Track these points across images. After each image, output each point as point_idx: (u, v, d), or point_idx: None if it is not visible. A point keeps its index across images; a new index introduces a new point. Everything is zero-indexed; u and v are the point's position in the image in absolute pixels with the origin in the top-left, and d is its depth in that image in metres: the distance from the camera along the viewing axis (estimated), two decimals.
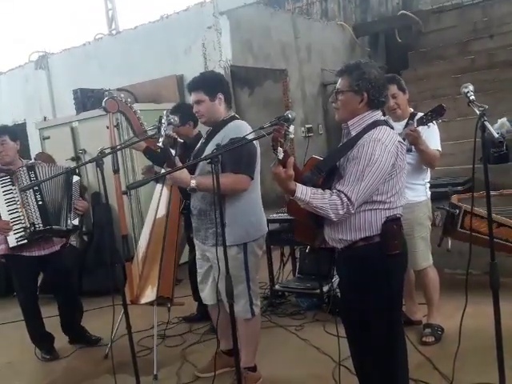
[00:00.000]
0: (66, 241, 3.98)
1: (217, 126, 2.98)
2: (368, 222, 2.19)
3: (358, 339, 2.39)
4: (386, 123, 2.25)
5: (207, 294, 3.19)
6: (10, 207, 3.68)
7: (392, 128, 2.26)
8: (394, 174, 2.17)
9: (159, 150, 2.88)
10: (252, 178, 2.89)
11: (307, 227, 2.44)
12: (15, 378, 3.73)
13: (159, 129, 2.81)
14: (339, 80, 2.28)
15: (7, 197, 3.67)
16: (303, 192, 2.09)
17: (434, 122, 3.14)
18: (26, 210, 3.66)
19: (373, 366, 2.32)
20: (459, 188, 4.93)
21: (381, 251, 2.19)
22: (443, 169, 5.15)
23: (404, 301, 3.66)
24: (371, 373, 2.35)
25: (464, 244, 4.59)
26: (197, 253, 3.21)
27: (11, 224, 3.64)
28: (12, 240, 3.64)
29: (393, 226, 2.21)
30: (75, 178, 3.86)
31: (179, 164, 2.80)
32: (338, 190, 2.12)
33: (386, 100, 2.32)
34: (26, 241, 3.65)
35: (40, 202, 3.69)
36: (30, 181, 3.66)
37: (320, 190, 2.13)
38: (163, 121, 2.80)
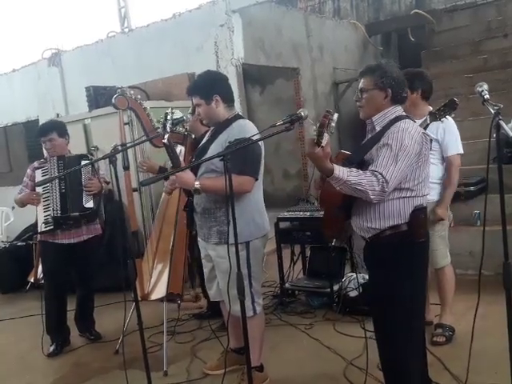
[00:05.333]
0: (98, 232, 4.09)
1: (220, 125, 2.97)
2: (397, 210, 2.29)
3: (381, 327, 2.43)
4: (408, 117, 2.36)
5: (215, 292, 3.20)
6: (45, 194, 3.86)
7: (414, 121, 2.38)
8: (421, 162, 2.28)
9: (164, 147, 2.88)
10: (256, 179, 2.87)
11: (335, 220, 2.51)
12: (26, 373, 3.76)
13: (164, 125, 2.81)
14: (362, 80, 2.41)
15: (45, 184, 3.82)
16: (340, 170, 2.13)
17: (448, 117, 3.12)
18: (51, 198, 3.84)
19: (389, 353, 2.38)
20: (471, 188, 4.90)
21: (408, 239, 2.29)
22: None
23: None
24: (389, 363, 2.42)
25: (475, 244, 4.58)
26: (201, 252, 3.21)
27: (43, 207, 3.82)
28: (40, 225, 3.83)
29: (420, 215, 2.31)
30: (84, 162, 3.90)
31: (183, 164, 2.81)
32: (372, 170, 2.19)
33: (407, 96, 2.46)
34: (51, 227, 3.82)
35: (63, 190, 3.87)
36: (59, 170, 3.85)
37: (354, 169, 2.19)
38: (168, 117, 2.81)
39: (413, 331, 2.35)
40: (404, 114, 2.39)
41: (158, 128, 3.35)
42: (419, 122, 3.23)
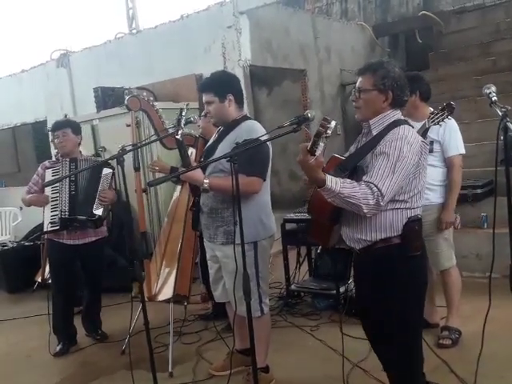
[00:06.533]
0: (104, 234, 4.10)
1: (229, 125, 2.97)
2: (389, 222, 2.17)
3: (381, 340, 2.38)
4: (406, 122, 2.24)
5: (220, 293, 3.20)
6: (54, 194, 3.87)
7: (412, 127, 2.26)
8: (418, 173, 2.16)
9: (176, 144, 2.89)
10: (264, 180, 2.89)
11: (323, 227, 2.42)
12: (33, 372, 3.78)
13: (179, 121, 2.82)
14: (360, 79, 2.26)
15: (55, 185, 3.84)
16: (333, 181, 2.01)
17: (445, 120, 3.13)
18: (60, 198, 3.84)
19: (394, 365, 2.34)
20: (479, 190, 4.89)
21: (401, 252, 2.17)
22: (463, 171, 5.10)
23: None
24: (392, 371, 2.38)
25: (482, 247, 4.57)
26: (207, 253, 3.21)
27: (50, 207, 3.84)
28: (47, 225, 3.85)
29: (414, 226, 2.18)
30: (106, 171, 3.92)
31: (194, 163, 2.81)
32: (367, 181, 2.06)
33: (408, 99, 2.33)
34: (57, 227, 3.83)
35: (73, 192, 3.86)
36: (70, 172, 3.85)
37: (348, 180, 2.07)
38: (183, 113, 2.82)
39: (411, 342, 2.30)
40: (403, 118, 2.27)
41: (170, 128, 3.36)
42: (419, 125, 3.25)
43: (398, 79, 2.20)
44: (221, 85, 2.94)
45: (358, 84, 2.27)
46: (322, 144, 1.94)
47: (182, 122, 2.81)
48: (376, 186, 2.03)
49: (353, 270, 2.53)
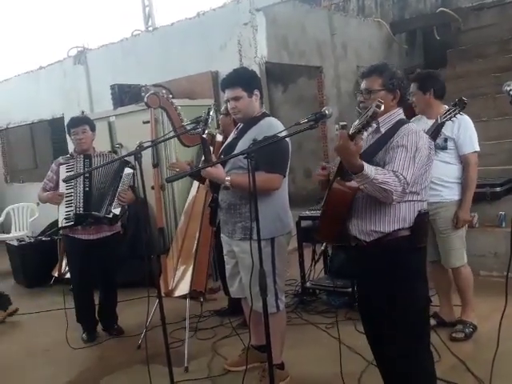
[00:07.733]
0: (118, 229, 4.14)
1: (248, 122, 2.97)
2: (403, 214, 2.26)
3: (383, 333, 2.39)
4: (410, 121, 2.40)
5: (237, 289, 3.21)
6: (68, 190, 3.90)
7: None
8: (428, 167, 2.28)
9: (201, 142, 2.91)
10: (284, 177, 2.91)
11: (333, 222, 2.45)
12: (51, 365, 3.83)
13: (206, 120, 2.84)
14: (366, 80, 2.38)
15: (70, 181, 3.85)
16: (369, 167, 2.07)
17: (462, 114, 3.13)
18: (74, 194, 3.87)
19: (398, 358, 2.34)
20: (497, 189, 4.83)
21: (410, 244, 2.26)
22: (481, 169, 5.02)
23: (440, 301, 3.65)
24: (395, 368, 2.39)
25: (500, 246, 4.52)
26: (224, 249, 3.22)
27: (65, 203, 3.87)
28: (61, 220, 3.89)
29: (424, 219, 2.31)
30: (127, 171, 3.94)
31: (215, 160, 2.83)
32: (392, 170, 2.14)
33: (410, 98, 2.55)
34: (71, 223, 3.86)
35: (87, 189, 3.89)
36: (84, 168, 3.90)
37: (379, 167, 2.15)
38: (211, 113, 2.83)
39: (418, 332, 2.32)
40: (404, 117, 2.40)
41: (188, 126, 3.37)
42: (431, 122, 3.24)
43: (402, 79, 2.37)
44: (248, 80, 2.95)
45: (364, 86, 2.39)
46: (370, 128, 2.02)
47: (209, 121, 2.83)
48: (402, 175, 2.12)
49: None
